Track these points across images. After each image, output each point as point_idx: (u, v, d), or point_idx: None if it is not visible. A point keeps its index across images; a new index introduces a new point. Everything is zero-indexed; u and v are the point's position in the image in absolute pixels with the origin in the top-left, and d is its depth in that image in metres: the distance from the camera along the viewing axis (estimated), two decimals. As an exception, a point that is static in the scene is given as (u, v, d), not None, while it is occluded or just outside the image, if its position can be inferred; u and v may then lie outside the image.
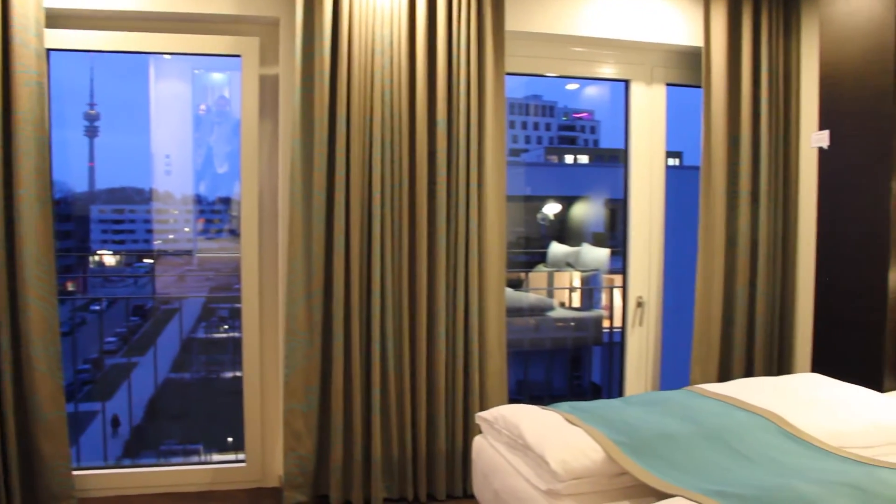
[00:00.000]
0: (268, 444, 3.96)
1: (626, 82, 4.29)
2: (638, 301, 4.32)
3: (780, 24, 4.13)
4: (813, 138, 3.82)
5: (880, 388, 3.42)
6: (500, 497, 2.74)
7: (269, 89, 3.85)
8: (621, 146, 4.48)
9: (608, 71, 4.29)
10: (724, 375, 4.11)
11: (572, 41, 4.14)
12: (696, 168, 4.12)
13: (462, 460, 3.82)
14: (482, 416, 3.00)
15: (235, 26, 3.80)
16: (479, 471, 3.00)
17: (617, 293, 4.77)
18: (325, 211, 3.61)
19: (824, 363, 3.68)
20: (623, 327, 4.39)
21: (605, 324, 5.75)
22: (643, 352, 4.37)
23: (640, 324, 4.33)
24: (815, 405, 2.83)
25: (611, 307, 5.32)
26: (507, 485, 2.68)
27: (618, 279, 4.63)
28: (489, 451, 2.91)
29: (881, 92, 3.47)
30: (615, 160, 9.03)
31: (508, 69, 3.92)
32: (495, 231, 3.83)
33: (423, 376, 3.75)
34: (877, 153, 3.50)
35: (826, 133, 3.72)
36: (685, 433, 2.56)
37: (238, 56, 3.79)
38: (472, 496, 3.15)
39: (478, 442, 3.05)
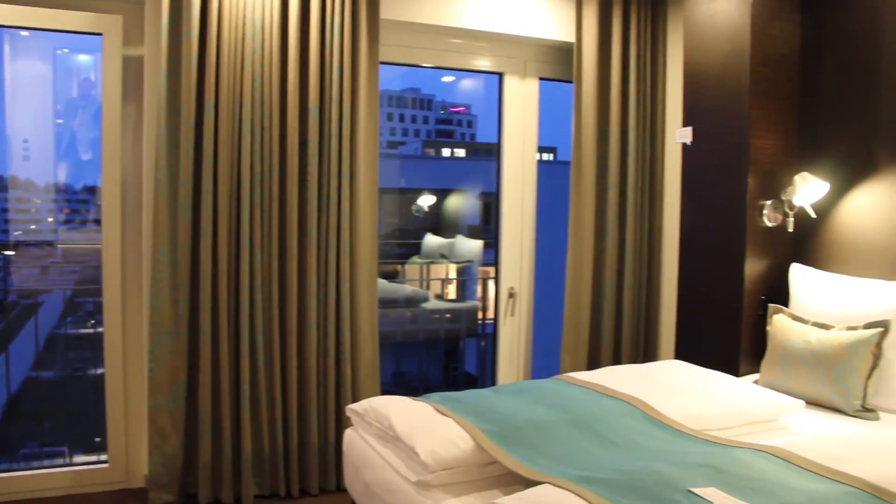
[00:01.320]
0: (132, 443, 3.79)
1: (500, 75, 4.34)
2: (510, 292, 4.39)
3: (648, 23, 4.27)
4: (677, 134, 3.97)
5: (736, 373, 3.60)
6: (371, 490, 2.71)
7: (133, 71, 3.67)
8: (496, 140, 4.53)
9: (483, 63, 4.32)
10: (593, 363, 4.23)
11: (448, 32, 4.14)
12: (570, 163, 4.22)
13: (335, 454, 3.78)
14: (353, 409, 2.96)
15: (97, 3, 3.60)
16: (350, 464, 2.97)
17: (491, 284, 4.83)
18: (191, 199, 3.48)
19: (687, 350, 3.84)
20: (495, 318, 4.44)
21: (481, 315, 5.82)
22: (515, 342, 4.44)
23: (512, 314, 4.40)
24: (677, 391, 2.95)
25: (484, 298, 5.39)
26: (378, 477, 2.66)
27: (493, 271, 4.69)
28: (360, 444, 2.88)
29: (739, 92, 3.64)
30: (491, 154, 9.15)
31: (383, 58, 3.88)
32: (367, 222, 3.79)
33: (293, 369, 3.69)
34: (735, 150, 3.68)
35: (689, 130, 3.88)
36: (554, 421, 2.60)
37: (99, 34, 3.59)
38: (345, 490, 3.11)
39: (349, 435, 3.02)
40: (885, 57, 3.40)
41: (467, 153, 8.78)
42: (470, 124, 10.13)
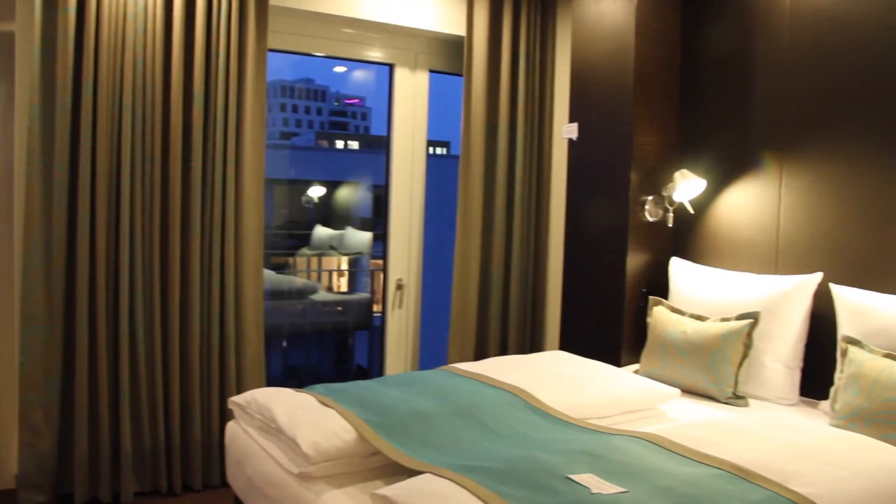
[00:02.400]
0: (2, 442, 3.58)
1: (391, 66, 4.32)
2: (398, 283, 4.38)
3: (538, 20, 4.34)
4: (563, 130, 4.05)
5: (618, 363, 3.70)
6: (253, 483, 2.66)
7: (3, 48, 3.46)
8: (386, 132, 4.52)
9: (375, 54, 4.30)
10: (480, 354, 4.27)
11: (340, 22, 4.09)
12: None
13: (219, 448, 3.69)
14: (235, 401, 2.89)
15: (-39, -25, 3.39)
16: (232, 457, 2.90)
17: (381, 276, 4.82)
18: (67, 185, 3.32)
19: (571, 341, 3.92)
20: (383, 309, 4.43)
21: (373, 308, 5.79)
22: (403, 333, 4.44)
23: (400, 306, 4.40)
24: (559, 381, 3.00)
25: (374, 291, 5.35)
26: (260, 470, 2.60)
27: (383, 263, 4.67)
28: (242, 437, 2.81)
29: (623, 90, 3.74)
30: (384, 147, 9.08)
31: (273, 45, 3.80)
32: (254, 212, 3.71)
33: (176, 362, 3.58)
34: (619, 146, 3.78)
35: (575, 125, 3.96)
36: (437, 411, 2.61)
37: (-36, 9, 3.38)
38: (229, 485, 3.03)
39: (231, 428, 2.95)
40: (759, 63, 3.56)
41: (361, 145, 8.71)
42: (364, 116, 10.05)
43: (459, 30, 4.27)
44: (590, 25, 3.90)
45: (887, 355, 2.78)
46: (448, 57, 4.43)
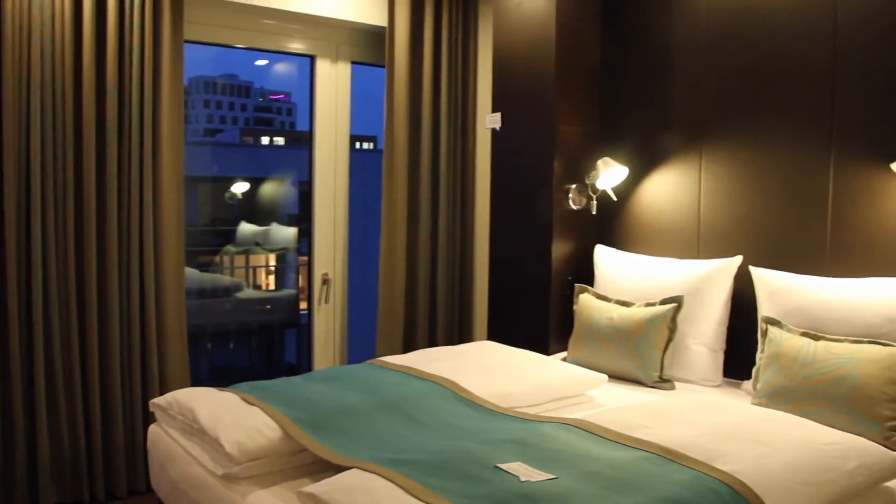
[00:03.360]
0: None
1: (312, 58, 4.24)
2: (324, 278, 4.31)
3: (460, 9, 4.32)
4: (486, 120, 4.04)
5: (546, 351, 3.72)
6: (177, 487, 2.58)
7: None
8: (309, 125, 4.45)
9: (296, 46, 4.21)
10: (409, 347, 4.25)
11: (259, 12, 3.98)
12: (384, 149, 4.21)
13: (143, 453, 3.57)
14: (156, 403, 2.80)
15: None
16: (155, 461, 2.81)
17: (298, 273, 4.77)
18: (-28, 184, 3.16)
19: (499, 331, 3.92)
20: (309, 305, 4.36)
21: (301, 305, 5.70)
22: (330, 329, 4.37)
23: (327, 301, 4.33)
24: (487, 370, 3.00)
25: (301, 288, 5.27)
26: (184, 473, 2.53)
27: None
28: (165, 440, 2.72)
29: (545, 79, 3.76)
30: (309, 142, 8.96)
31: (190, 37, 3.69)
32: (173, 210, 3.60)
33: (94, 365, 3.45)
34: (543, 135, 3.79)
35: (498, 115, 3.96)
36: (364, 405, 2.57)
37: None
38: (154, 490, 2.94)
39: (153, 431, 2.85)
40: (678, 52, 3.62)
41: (287, 141, 8.57)
42: (289, 112, 9.88)
43: (381, 20, 4.21)
44: (511, 16, 3.90)
45: (804, 334, 2.85)
46: (369, 48, 4.38)
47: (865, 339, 2.72)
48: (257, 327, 5.66)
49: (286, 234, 5.17)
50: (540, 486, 1.93)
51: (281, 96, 10.13)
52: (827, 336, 2.80)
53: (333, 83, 4.28)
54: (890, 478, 2.27)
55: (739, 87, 3.40)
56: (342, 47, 4.29)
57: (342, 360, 4.41)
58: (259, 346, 6.00)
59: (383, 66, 4.21)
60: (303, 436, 2.32)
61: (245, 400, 2.58)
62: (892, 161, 2.81)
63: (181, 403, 2.62)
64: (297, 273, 5.22)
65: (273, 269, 5.26)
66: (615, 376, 3.30)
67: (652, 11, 3.74)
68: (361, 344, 4.60)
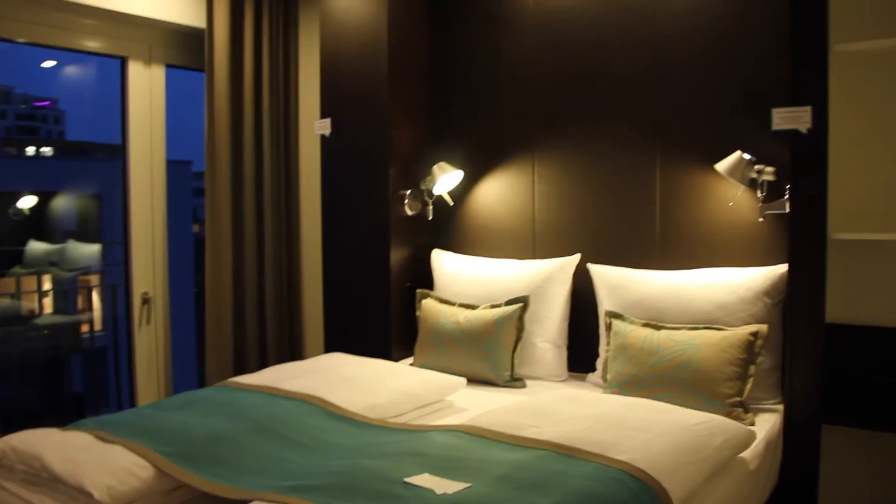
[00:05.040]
0: None
1: (123, 59, 3.89)
2: (144, 297, 3.98)
3: (280, 11, 4.16)
4: (316, 126, 3.93)
5: (390, 359, 3.67)
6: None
7: None
8: (93, 136, 4.07)
9: (102, 46, 3.82)
10: (240, 365, 4.03)
11: (57, 5, 3.54)
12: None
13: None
14: (-16, 453, 2.43)
15: None
16: (-13, 522, 2.43)
17: (96, 293, 4.39)
18: None
19: (337, 343, 3.80)
20: (129, 328, 4.00)
21: (86, 329, 5.24)
22: (153, 351, 4.04)
23: (148, 322, 4.00)
24: (349, 383, 2.90)
25: (85, 308, 4.83)
26: (36, 529, 2.21)
27: (118, 277, 4.22)
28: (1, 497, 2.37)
29: (378, 83, 3.71)
30: (88, 152, 8.25)
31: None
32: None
33: None
34: (377, 140, 3.74)
35: (328, 121, 3.86)
36: (235, 431, 2.40)
37: None
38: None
39: (-20, 487, 2.47)
40: (507, 58, 3.74)
41: (57, 152, 7.84)
42: (57, 120, 9.05)
43: (198, 21, 3.95)
44: (339, 20, 3.82)
45: (646, 324, 3.05)
46: (186, 50, 4.09)
47: (701, 326, 2.95)
48: (43, 356, 5.14)
49: (87, 251, 4.72)
50: (458, 497, 1.90)
51: (47, 103, 9.23)
52: (667, 325, 3.01)
53: (147, 87, 3.95)
54: (745, 448, 2.48)
55: (569, 93, 3.56)
56: (156, 48, 3.97)
57: (167, 385, 4.09)
58: (41, 377, 5.46)
59: (201, 70, 3.96)
60: (181, 471, 2.12)
61: (100, 438, 2.31)
62: (713, 161, 3.07)
63: (20, 451, 2.28)
64: (96, 293, 4.78)
65: (72, 290, 4.78)
66: (467, 378, 3.32)
67: (481, 19, 3.81)
68: (177, 365, 4.30)
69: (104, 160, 6.90)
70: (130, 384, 4.01)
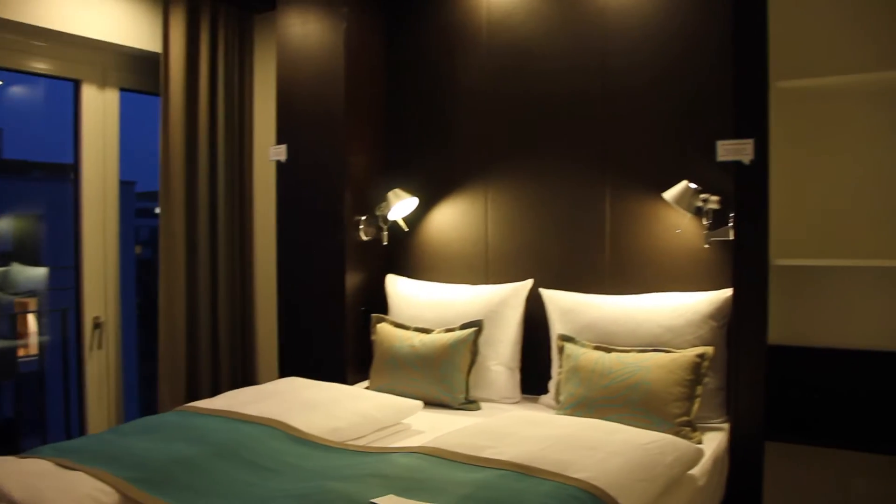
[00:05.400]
0: None
1: (77, 82, 3.87)
2: (95, 322, 3.94)
3: (236, 38, 4.20)
4: (271, 152, 3.95)
5: (345, 382, 3.70)
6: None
7: None
8: (34, 156, 4.04)
9: (54, 68, 3.79)
10: (192, 389, 4.01)
11: (9, 27, 3.50)
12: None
13: None
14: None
15: None
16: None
17: (32, 317, 4.33)
18: None
19: (292, 366, 3.80)
20: (79, 352, 3.94)
21: (19, 352, 5.10)
22: (104, 376, 3.98)
23: (100, 346, 3.96)
24: (310, 407, 2.92)
25: (24, 332, 4.70)
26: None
27: (68, 301, 4.14)
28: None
29: (334, 111, 3.76)
30: (29, 171, 8.03)
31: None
32: None
33: None
34: (333, 166, 3.79)
35: (284, 147, 3.89)
36: (200, 456, 2.41)
37: None
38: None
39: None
40: (462, 86, 3.83)
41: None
42: (-7, 139, 8.82)
43: (153, 45, 3.96)
44: (296, 47, 3.86)
45: (597, 347, 3.14)
46: (142, 74, 4.08)
47: (650, 348, 3.05)
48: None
49: (32, 274, 4.63)
50: (426, 516, 1.94)
51: (-20, 121, 9.00)
52: (617, 348, 3.11)
53: (101, 110, 3.93)
54: (694, 465, 2.58)
55: (522, 122, 3.66)
56: (110, 72, 3.96)
57: (119, 410, 4.03)
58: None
59: (155, 94, 3.96)
60: (146, 496, 2.13)
61: (61, 465, 2.30)
62: (661, 189, 3.21)
63: (-24, 478, 2.27)
64: (60, 317, 4.65)
65: (8, 314, 4.65)
66: (422, 401, 3.37)
67: (436, 49, 3.90)
68: (129, 388, 4.24)
69: (44, 180, 6.75)
70: (80, 410, 3.95)
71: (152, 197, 4.72)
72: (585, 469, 2.24)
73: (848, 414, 3.04)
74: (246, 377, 4.30)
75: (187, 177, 4.00)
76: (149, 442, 2.54)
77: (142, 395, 5.53)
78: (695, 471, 2.59)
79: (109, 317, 3.99)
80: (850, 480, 3.09)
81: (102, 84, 3.93)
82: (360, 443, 2.79)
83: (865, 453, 2.92)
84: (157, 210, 4.64)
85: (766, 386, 2.83)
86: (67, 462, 2.31)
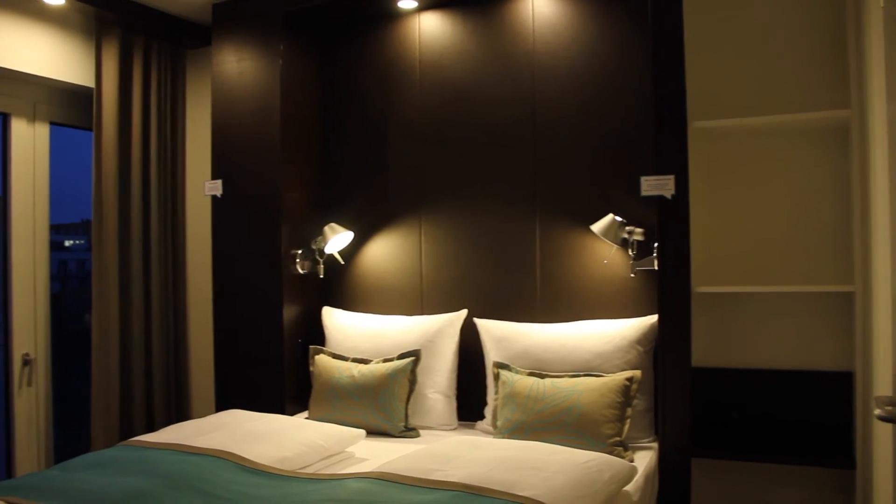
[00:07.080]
0: None
1: (5, 116, 3.82)
2: (25, 359, 3.86)
3: (168, 74, 4.23)
4: (206, 187, 3.97)
5: (284, 413, 3.73)
6: None
7: None
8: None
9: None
10: (126, 424, 3.97)
11: None
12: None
13: None
14: None
15: None
16: None
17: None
18: None
19: (230, 400, 3.81)
20: (8, 390, 3.84)
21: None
22: (34, 415, 3.90)
23: (29, 384, 3.88)
24: (257, 438, 2.96)
25: None
26: None
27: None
28: None
29: (270, 147, 3.83)
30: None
31: None
32: None
33: None
34: (270, 200, 3.84)
35: (219, 182, 3.93)
36: (155, 489, 2.42)
37: None
38: None
39: None
40: (395, 123, 3.96)
41: None
42: None
43: (84, 80, 3.96)
44: (231, 83, 3.92)
45: (531, 373, 3.28)
46: (73, 109, 4.06)
47: (582, 373, 3.21)
48: None
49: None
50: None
51: None
52: (551, 374, 3.25)
53: (30, 144, 3.89)
54: (629, 482, 2.73)
55: (454, 156, 3.80)
56: (40, 106, 3.92)
57: (49, 450, 3.94)
58: None
59: (86, 129, 3.95)
60: (106, 529, 2.14)
61: (10, 503, 2.29)
62: (589, 222, 3.39)
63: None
64: None
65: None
66: (364, 430, 3.44)
67: (370, 81, 4.02)
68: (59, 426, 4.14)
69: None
70: (7, 449, 3.84)
71: (62, 230, 4.66)
72: (531, 487, 2.36)
73: (766, 429, 3.28)
74: (181, 412, 4.28)
75: (120, 211, 3.98)
76: (99, 477, 2.54)
77: (58, 434, 5.37)
78: (629, 487, 2.74)
79: (39, 353, 3.93)
80: (770, 490, 3.32)
81: (32, 118, 3.89)
82: (309, 471, 2.85)
83: (783, 465, 3.16)
84: (67, 243, 4.60)
85: (691, 406, 3.01)
86: (16, 499, 2.30)
